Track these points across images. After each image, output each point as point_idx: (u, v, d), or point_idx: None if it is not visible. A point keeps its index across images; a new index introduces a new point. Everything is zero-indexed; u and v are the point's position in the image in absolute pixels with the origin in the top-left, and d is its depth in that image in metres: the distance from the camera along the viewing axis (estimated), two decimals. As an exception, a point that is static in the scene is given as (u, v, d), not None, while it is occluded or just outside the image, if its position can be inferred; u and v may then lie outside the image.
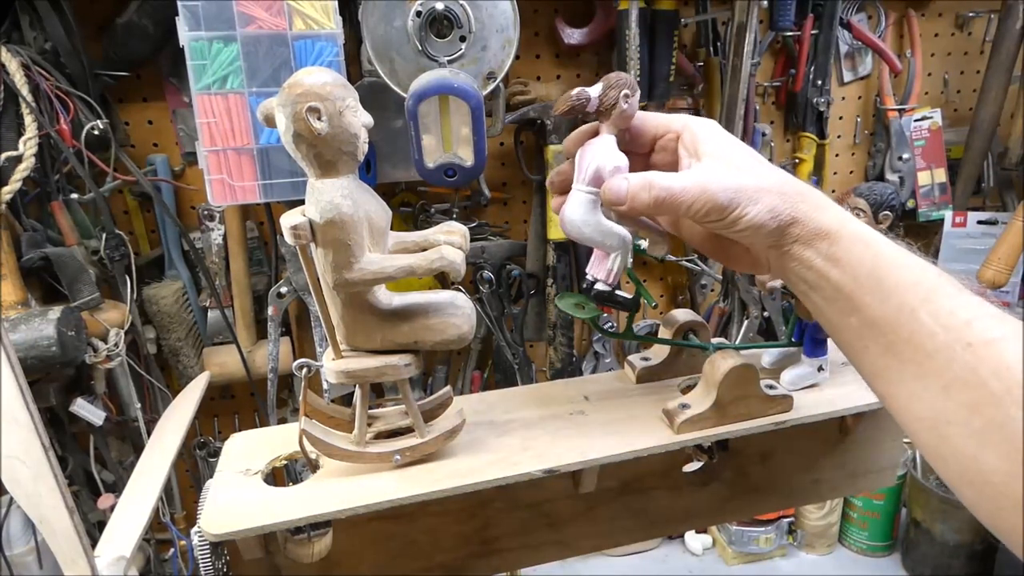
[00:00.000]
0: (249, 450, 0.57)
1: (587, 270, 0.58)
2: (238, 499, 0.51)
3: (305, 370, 0.52)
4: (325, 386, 1.16)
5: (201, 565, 0.48)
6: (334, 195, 0.45)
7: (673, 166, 0.50)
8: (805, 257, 0.44)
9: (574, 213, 0.53)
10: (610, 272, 0.56)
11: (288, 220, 0.45)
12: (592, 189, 0.52)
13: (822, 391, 0.66)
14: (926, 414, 0.39)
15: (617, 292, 0.58)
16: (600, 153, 0.51)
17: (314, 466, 0.54)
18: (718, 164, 0.46)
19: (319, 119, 0.43)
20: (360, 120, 0.45)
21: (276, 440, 0.58)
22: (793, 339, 0.70)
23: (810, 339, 0.68)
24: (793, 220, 0.44)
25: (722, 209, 0.44)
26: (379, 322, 0.50)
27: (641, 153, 0.53)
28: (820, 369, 0.68)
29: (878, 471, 0.76)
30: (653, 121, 0.51)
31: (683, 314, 0.66)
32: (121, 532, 0.72)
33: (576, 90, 0.50)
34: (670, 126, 0.50)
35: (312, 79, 0.43)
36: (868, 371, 0.44)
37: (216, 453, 1.34)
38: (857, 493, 1.36)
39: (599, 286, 0.57)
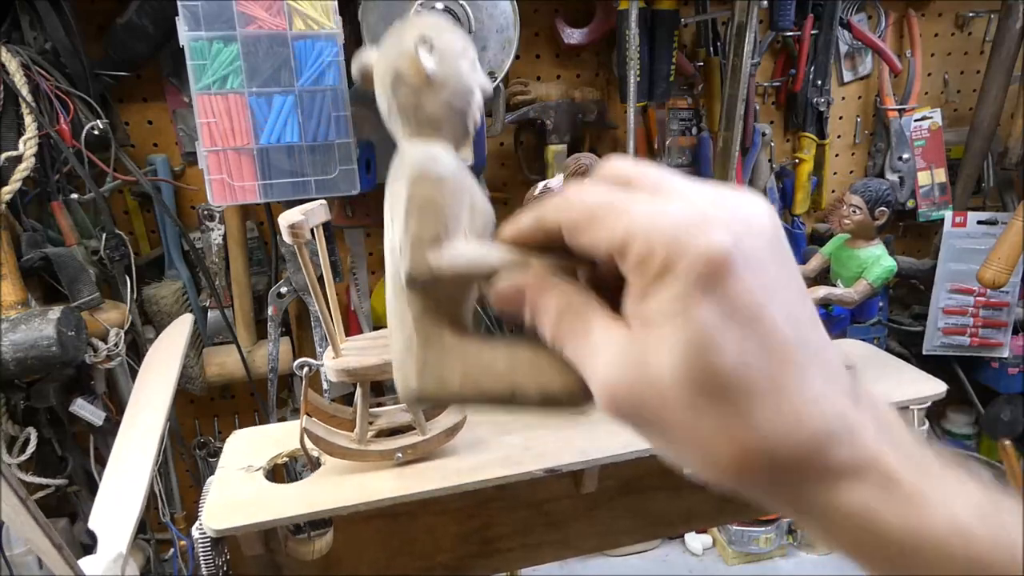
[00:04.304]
0: (251, 447, 0.58)
1: None
2: (240, 495, 0.51)
3: (306, 369, 0.52)
4: (325, 385, 1.16)
5: (202, 561, 0.49)
6: (437, 152, 0.34)
7: None
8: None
9: None
10: None
11: (287, 219, 0.44)
12: None
13: None
14: None
15: None
16: None
17: (314, 464, 0.54)
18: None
19: (430, 52, 0.33)
20: (479, 79, 0.35)
21: (277, 437, 0.59)
22: None
23: None
24: None
25: None
26: (462, 350, 0.32)
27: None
28: None
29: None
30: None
31: None
32: (116, 519, 0.71)
33: (539, 187, 0.52)
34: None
35: (429, 20, 0.34)
36: None
37: (216, 453, 1.34)
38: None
39: None
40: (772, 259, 0.24)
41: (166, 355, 0.94)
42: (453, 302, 0.33)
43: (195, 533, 0.49)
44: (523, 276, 0.29)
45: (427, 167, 0.33)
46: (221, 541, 0.49)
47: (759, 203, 0.26)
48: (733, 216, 0.24)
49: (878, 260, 0.69)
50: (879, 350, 0.78)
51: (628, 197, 0.26)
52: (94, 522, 0.73)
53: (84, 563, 0.69)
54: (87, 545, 0.71)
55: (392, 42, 0.34)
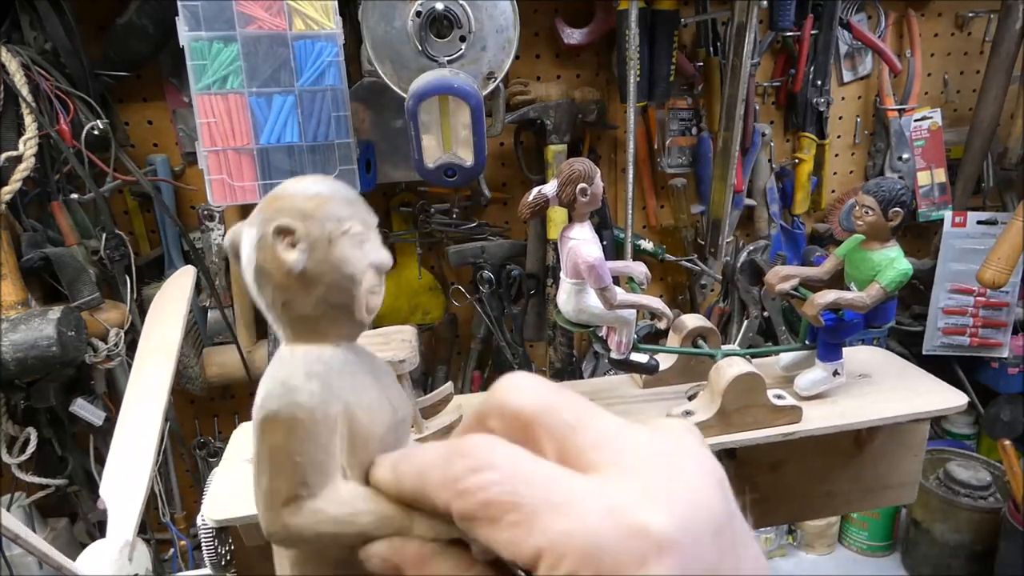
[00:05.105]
0: None
1: (603, 335, 0.61)
2: (241, 487, 0.52)
3: None
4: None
5: (205, 550, 0.49)
6: (295, 372, 0.28)
7: None
8: None
9: (567, 304, 0.57)
10: (619, 344, 0.60)
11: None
12: (576, 281, 0.56)
13: (835, 402, 0.65)
14: None
15: (632, 357, 0.61)
16: (575, 248, 0.54)
17: None
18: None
19: (295, 244, 0.28)
20: (367, 257, 0.29)
21: None
22: (807, 341, 0.69)
23: (823, 343, 0.67)
24: None
25: None
26: None
27: None
28: (836, 374, 0.66)
29: (896, 487, 0.74)
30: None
31: (692, 320, 0.66)
32: (123, 508, 0.71)
33: (533, 192, 0.53)
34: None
35: (299, 187, 0.29)
36: None
37: (216, 453, 1.34)
38: (873, 508, 1.32)
39: (613, 354, 0.61)
40: (714, 551, 0.21)
41: (171, 303, 0.93)
42: (335, 549, 0.27)
43: (198, 522, 0.49)
44: (400, 547, 0.25)
45: (277, 406, 0.27)
46: (224, 531, 0.50)
47: (708, 475, 0.23)
48: (674, 497, 0.21)
49: (892, 263, 0.65)
50: (897, 357, 0.75)
51: (534, 491, 0.22)
52: (104, 488, 0.74)
53: (92, 548, 0.70)
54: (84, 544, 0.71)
55: (261, 218, 0.28)
